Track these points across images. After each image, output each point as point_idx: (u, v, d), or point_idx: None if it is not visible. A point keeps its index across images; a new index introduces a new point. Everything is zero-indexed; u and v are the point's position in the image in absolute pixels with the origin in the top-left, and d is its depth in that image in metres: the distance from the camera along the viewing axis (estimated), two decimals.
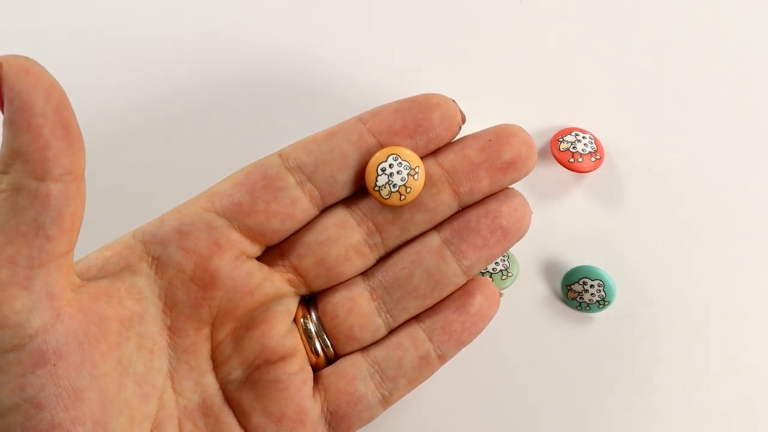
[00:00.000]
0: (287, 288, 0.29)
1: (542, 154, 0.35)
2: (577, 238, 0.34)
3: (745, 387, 0.33)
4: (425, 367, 0.29)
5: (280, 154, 0.28)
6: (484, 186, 0.28)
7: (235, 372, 0.28)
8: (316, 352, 0.29)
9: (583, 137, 0.34)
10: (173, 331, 0.27)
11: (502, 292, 0.33)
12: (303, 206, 0.28)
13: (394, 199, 0.28)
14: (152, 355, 0.27)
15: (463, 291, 0.29)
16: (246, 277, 0.28)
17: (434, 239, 0.29)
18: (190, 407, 0.27)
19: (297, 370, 0.28)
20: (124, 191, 0.35)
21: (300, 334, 0.29)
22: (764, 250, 0.34)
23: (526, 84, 0.36)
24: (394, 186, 0.27)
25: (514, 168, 0.28)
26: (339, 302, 0.29)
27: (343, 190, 0.28)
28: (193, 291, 0.27)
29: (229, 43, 0.36)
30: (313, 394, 0.28)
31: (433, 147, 0.28)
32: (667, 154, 0.35)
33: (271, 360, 0.28)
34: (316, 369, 0.29)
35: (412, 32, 0.36)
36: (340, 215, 0.28)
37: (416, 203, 0.28)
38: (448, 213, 0.29)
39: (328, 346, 0.29)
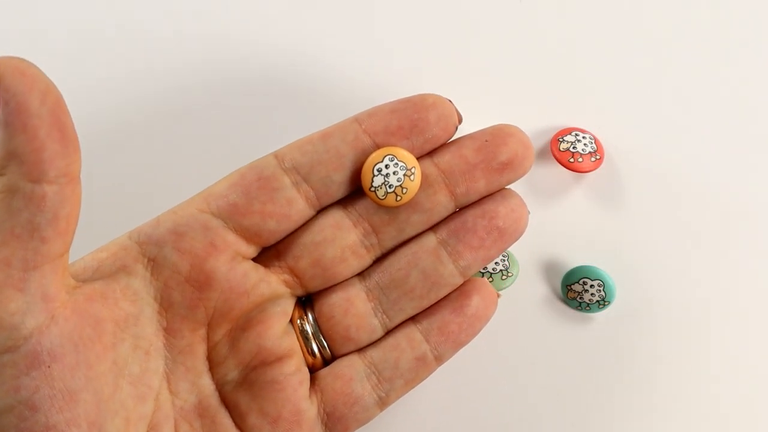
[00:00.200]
0: (283, 289, 0.29)
1: (542, 154, 0.35)
2: (577, 238, 0.34)
3: (745, 387, 0.33)
4: (422, 368, 0.29)
5: (276, 155, 0.28)
6: (481, 186, 0.28)
7: (232, 373, 0.28)
8: (313, 353, 0.29)
9: (583, 137, 0.34)
10: (169, 332, 0.27)
11: (500, 293, 0.33)
12: (299, 207, 0.28)
13: (390, 200, 0.28)
14: (148, 356, 0.27)
15: (460, 292, 0.29)
16: (242, 278, 0.27)
17: (430, 240, 0.29)
18: (187, 408, 0.27)
19: (293, 371, 0.28)
20: (120, 192, 0.35)
21: (296, 335, 0.29)
22: (764, 250, 0.34)
23: (526, 84, 0.36)
24: (390, 187, 0.27)
25: (511, 168, 0.28)
26: (335, 303, 0.29)
27: (339, 190, 0.28)
28: (188, 292, 0.27)
29: (227, 43, 0.36)
30: (310, 395, 0.28)
31: (429, 147, 0.28)
32: (667, 154, 0.35)
33: (267, 361, 0.28)
34: (312, 370, 0.29)
35: (411, 32, 0.36)
36: (336, 216, 0.28)
37: (412, 204, 0.28)
38: (444, 214, 0.28)
39: (324, 347, 0.29)
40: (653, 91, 0.35)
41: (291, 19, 0.36)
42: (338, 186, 0.28)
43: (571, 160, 0.34)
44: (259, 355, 0.28)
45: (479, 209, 0.28)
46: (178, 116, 0.36)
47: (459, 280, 0.29)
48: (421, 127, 0.28)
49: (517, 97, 0.36)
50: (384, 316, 0.29)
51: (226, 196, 0.27)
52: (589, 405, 0.33)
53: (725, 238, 0.34)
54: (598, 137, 0.35)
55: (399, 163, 0.27)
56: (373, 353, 0.29)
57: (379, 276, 0.29)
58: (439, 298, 0.29)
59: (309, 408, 0.28)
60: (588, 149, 0.34)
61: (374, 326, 0.29)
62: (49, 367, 0.23)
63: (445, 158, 0.28)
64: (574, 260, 0.34)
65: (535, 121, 0.35)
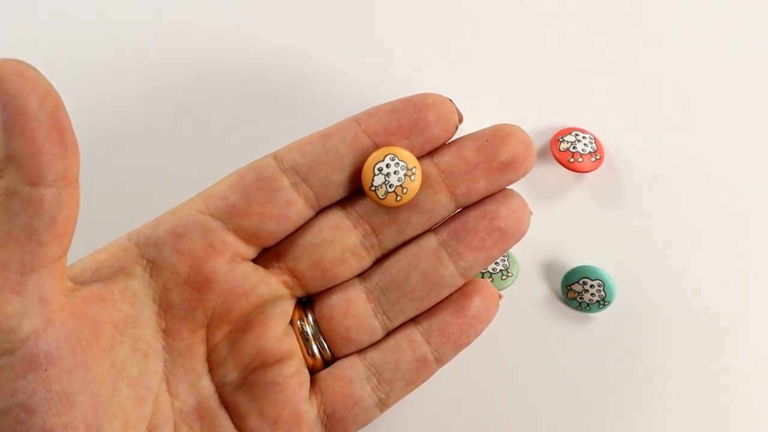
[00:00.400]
0: (283, 290, 0.28)
1: (542, 154, 0.35)
2: (577, 238, 0.34)
3: (745, 387, 0.33)
4: (422, 369, 0.29)
5: (275, 156, 0.28)
6: (482, 187, 0.28)
7: (231, 374, 0.28)
8: (313, 355, 0.29)
9: (583, 137, 0.34)
10: (168, 333, 0.27)
11: (501, 293, 0.33)
12: (298, 208, 0.28)
13: (390, 200, 0.27)
14: (147, 358, 0.26)
15: (461, 293, 0.29)
16: (241, 279, 0.27)
17: (431, 241, 0.28)
18: (186, 410, 0.27)
19: (293, 373, 0.28)
20: (118, 193, 0.35)
21: (296, 336, 0.29)
22: (764, 250, 0.34)
23: (526, 84, 0.36)
24: (390, 186, 0.27)
25: (512, 168, 0.28)
26: (335, 304, 0.29)
27: (338, 191, 0.28)
28: (187, 293, 0.27)
29: (227, 43, 0.36)
30: (310, 397, 0.28)
31: (429, 147, 0.28)
32: (667, 154, 0.35)
33: (267, 362, 0.27)
34: (312, 371, 0.29)
35: (411, 32, 0.36)
36: (336, 217, 0.28)
37: (413, 204, 0.28)
38: (445, 214, 0.28)
39: (324, 348, 0.29)
40: (653, 91, 0.35)
41: (291, 19, 0.36)
42: (337, 187, 0.28)
43: (571, 160, 0.34)
44: (258, 357, 0.27)
45: (480, 210, 0.28)
46: (177, 116, 0.35)
47: (460, 281, 0.29)
48: (421, 127, 0.27)
49: (517, 97, 0.36)
50: (384, 318, 0.29)
51: (225, 197, 0.27)
52: (589, 405, 0.33)
53: (725, 238, 0.34)
54: (598, 137, 0.35)
55: (400, 162, 0.27)
56: (374, 355, 0.29)
57: (379, 277, 0.29)
58: (439, 299, 0.29)
59: (309, 410, 0.28)
60: (588, 149, 0.34)
61: (374, 327, 0.29)
62: (46, 370, 0.23)
63: (445, 158, 0.28)
64: (574, 260, 0.34)
65: (535, 121, 0.35)
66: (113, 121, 0.35)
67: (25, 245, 0.22)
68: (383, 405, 0.28)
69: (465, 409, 0.33)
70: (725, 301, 0.34)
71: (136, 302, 0.27)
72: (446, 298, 0.29)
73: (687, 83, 0.35)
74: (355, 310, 0.28)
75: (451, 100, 0.28)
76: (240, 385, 0.28)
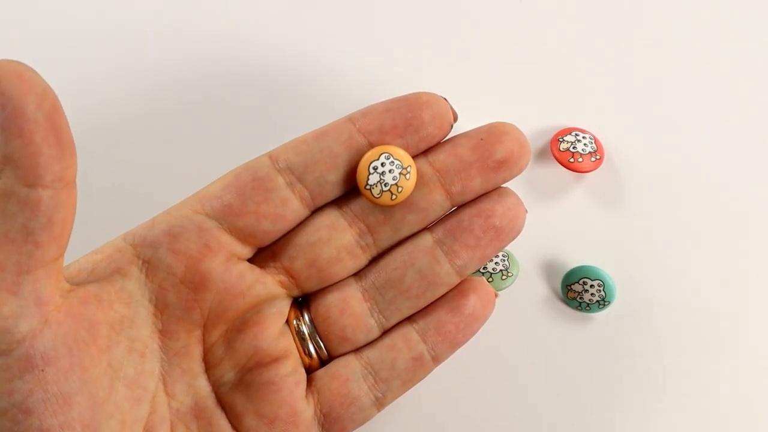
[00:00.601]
0: (279, 290, 0.28)
1: (542, 154, 0.35)
2: (577, 238, 0.34)
3: (745, 386, 0.33)
4: (419, 368, 0.28)
5: (270, 155, 0.28)
6: (477, 185, 0.28)
7: (228, 374, 0.28)
8: (309, 354, 0.29)
9: (583, 137, 0.34)
10: (164, 333, 0.27)
11: (498, 292, 0.33)
12: (293, 207, 0.28)
13: (386, 199, 0.27)
14: (143, 358, 0.26)
15: (457, 291, 0.29)
16: (237, 279, 0.27)
17: (426, 239, 0.28)
18: (183, 410, 0.27)
19: (290, 372, 0.28)
20: (114, 193, 0.35)
21: (293, 336, 0.29)
22: (764, 250, 0.34)
23: (526, 84, 0.36)
24: (385, 185, 0.27)
25: (507, 167, 0.28)
26: (331, 303, 0.29)
27: (333, 190, 0.28)
28: (183, 293, 0.27)
29: (227, 42, 0.36)
30: (306, 396, 0.28)
31: (424, 146, 0.28)
32: (667, 154, 0.35)
33: (263, 362, 0.27)
34: (309, 371, 0.29)
35: (411, 32, 0.36)
36: (332, 216, 0.28)
37: (408, 203, 0.28)
38: (440, 213, 0.28)
39: (321, 347, 0.29)
40: (653, 91, 0.35)
41: (291, 19, 0.36)
42: (333, 186, 0.28)
43: (571, 160, 0.34)
44: (255, 357, 0.27)
45: (475, 208, 0.28)
46: (175, 117, 0.36)
47: (455, 280, 0.28)
48: (416, 125, 0.27)
49: (517, 97, 0.36)
50: (380, 316, 0.29)
51: (220, 197, 0.27)
52: (589, 405, 0.33)
53: (725, 238, 0.34)
54: (598, 137, 0.35)
55: (395, 161, 0.27)
56: (370, 353, 0.29)
57: (375, 276, 0.29)
58: (435, 298, 0.29)
59: (305, 409, 0.28)
60: (588, 149, 0.34)
61: (371, 326, 0.29)
62: (42, 370, 0.23)
63: (440, 157, 0.28)
64: (574, 260, 0.34)
65: (535, 121, 0.35)
66: (109, 121, 0.35)
67: (21, 246, 0.22)
68: (380, 404, 0.28)
69: (464, 409, 0.33)
70: (725, 301, 0.34)
71: (132, 302, 0.27)
72: (442, 296, 0.29)
73: (687, 83, 0.35)
74: (351, 309, 0.28)
75: (445, 99, 0.28)
76: (236, 385, 0.28)
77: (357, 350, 0.29)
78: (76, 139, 0.23)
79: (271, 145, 0.29)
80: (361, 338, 0.29)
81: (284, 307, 0.28)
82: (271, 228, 0.27)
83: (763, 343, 0.33)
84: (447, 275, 0.28)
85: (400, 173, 0.27)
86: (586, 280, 0.33)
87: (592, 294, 0.33)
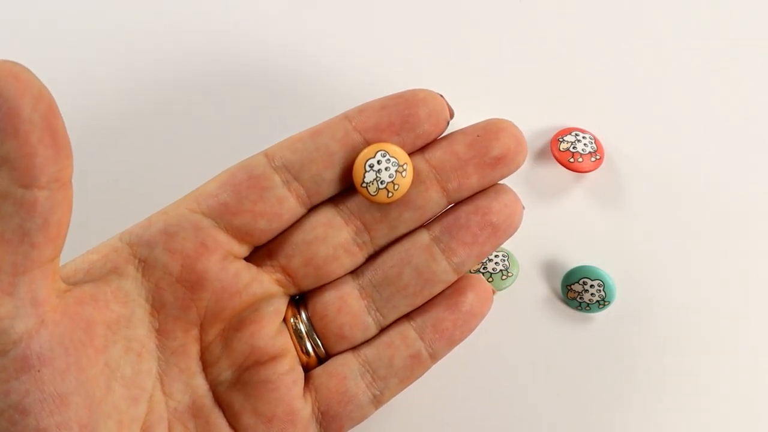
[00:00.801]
0: (276, 288, 0.28)
1: (542, 154, 0.35)
2: (577, 238, 0.34)
3: (745, 386, 0.33)
4: (417, 366, 0.28)
5: (266, 154, 0.28)
6: (473, 182, 0.28)
7: (225, 373, 0.28)
8: (307, 352, 0.29)
9: (583, 137, 0.34)
10: (161, 333, 0.27)
11: (495, 289, 0.33)
12: (290, 205, 0.27)
13: (382, 196, 0.27)
14: (140, 357, 0.26)
15: (454, 288, 0.29)
16: (234, 277, 0.27)
17: (423, 237, 0.28)
18: (180, 409, 0.27)
19: (287, 371, 0.28)
20: (111, 192, 0.35)
21: (290, 334, 0.28)
22: (764, 250, 0.34)
23: (526, 84, 0.36)
24: (381, 183, 0.27)
25: (504, 163, 0.27)
26: (328, 301, 0.28)
27: (329, 188, 0.28)
28: (180, 292, 0.27)
29: (226, 42, 0.36)
30: (304, 394, 0.28)
31: (420, 143, 0.28)
32: (667, 154, 0.35)
33: (260, 360, 0.27)
34: (306, 369, 0.29)
35: (411, 32, 0.36)
36: (328, 214, 0.28)
37: (404, 201, 0.28)
38: (436, 210, 0.28)
39: (318, 345, 0.29)
40: (653, 91, 0.35)
41: (291, 19, 0.37)
42: (329, 184, 0.28)
43: (571, 160, 0.34)
44: (252, 355, 0.27)
45: (472, 205, 0.28)
46: (172, 116, 0.36)
47: (453, 277, 0.28)
48: (412, 123, 0.27)
49: (517, 97, 0.36)
50: (378, 314, 0.29)
51: (216, 196, 0.27)
52: (589, 405, 0.33)
53: (725, 238, 0.34)
54: (598, 137, 0.35)
55: (391, 159, 0.27)
56: (367, 351, 0.28)
57: (372, 274, 0.29)
58: (432, 296, 0.29)
59: (303, 407, 0.28)
60: (588, 149, 0.34)
61: (368, 324, 0.29)
62: (38, 371, 0.23)
63: (436, 154, 0.28)
64: (574, 260, 0.34)
65: (535, 121, 0.35)
66: (105, 120, 0.36)
67: (17, 247, 0.22)
68: (378, 402, 0.28)
69: (464, 408, 0.33)
70: (725, 301, 0.34)
71: (128, 302, 0.26)
72: (439, 294, 0.29)
73: (687, 83, 0.35)
74: (348, 307, 0.28)
75: (442, 96, 0.28)
76: (234, 384, 0.28)
77: (354, 348, 0.29)
78: (72, 139, 0.23)
79: (269, 144, 0.29)
80: (359, 336, 0.29)
81: (281, 305, 0.28)
82: (267, 226, 0.27)
83: (763, 343, 0.33)
84: (444, 272, 0.28)
85: (396, 171, 0.27)
86: (586, 280, 0.33)
87: (592, 294, 0.33)
